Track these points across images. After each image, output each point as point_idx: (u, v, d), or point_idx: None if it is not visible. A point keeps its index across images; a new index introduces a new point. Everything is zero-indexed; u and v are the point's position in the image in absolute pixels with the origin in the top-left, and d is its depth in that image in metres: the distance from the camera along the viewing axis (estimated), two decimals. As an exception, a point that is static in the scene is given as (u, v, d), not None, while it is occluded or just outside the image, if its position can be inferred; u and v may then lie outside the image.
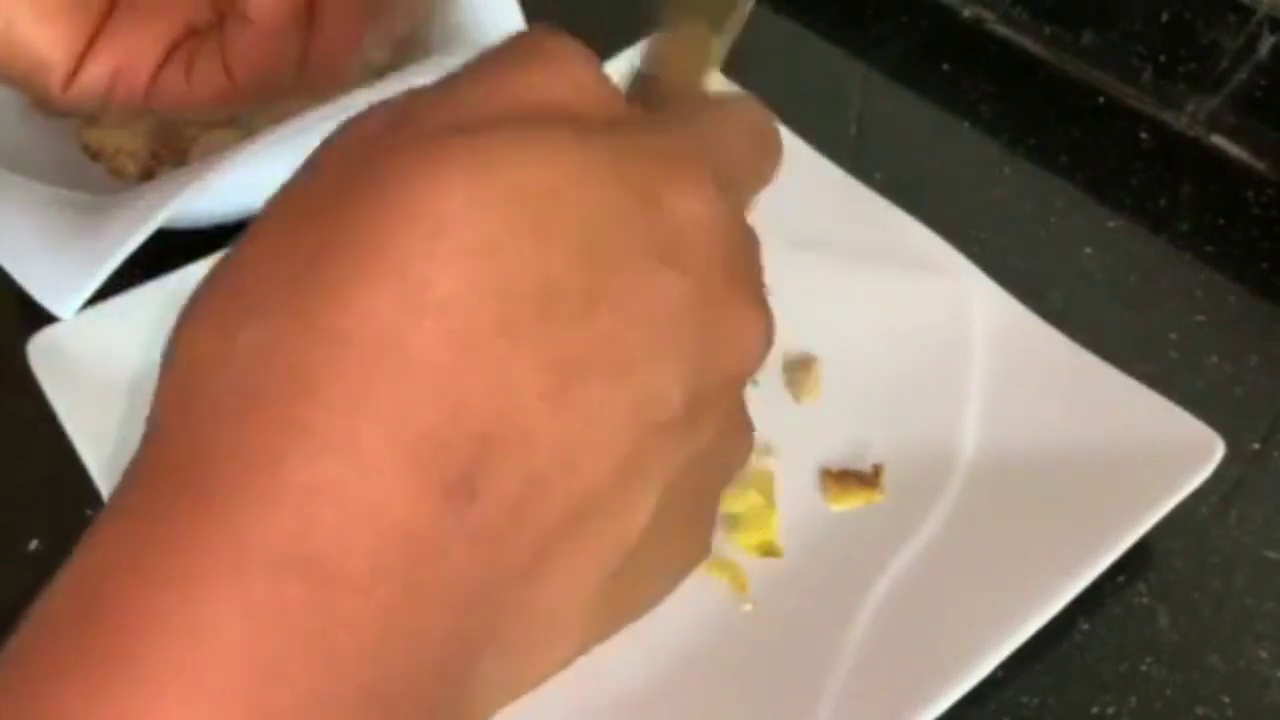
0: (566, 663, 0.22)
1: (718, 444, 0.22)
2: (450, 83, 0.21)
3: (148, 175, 0.52)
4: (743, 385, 0.23)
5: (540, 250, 0.18)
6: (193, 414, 0.18)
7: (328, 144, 0.21)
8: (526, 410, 0.18)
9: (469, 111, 0.19)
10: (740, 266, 0.23)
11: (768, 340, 0.23)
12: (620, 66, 0.40)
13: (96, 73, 0.29)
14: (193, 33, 0.31)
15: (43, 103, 0.30)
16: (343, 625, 0.16)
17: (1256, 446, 0.44)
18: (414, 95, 0.20)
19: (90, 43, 0.29)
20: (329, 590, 0.16)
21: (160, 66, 0.30)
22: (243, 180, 0.44)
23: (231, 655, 0.16)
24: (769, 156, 0.26)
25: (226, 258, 0.20)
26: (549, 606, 0.20)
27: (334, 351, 0.17)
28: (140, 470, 0.18)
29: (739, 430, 0.24)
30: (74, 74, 0.29)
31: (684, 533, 0.23)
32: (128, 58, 0.29)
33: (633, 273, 0.19)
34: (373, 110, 0.21)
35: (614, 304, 0.19)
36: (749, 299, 0.23)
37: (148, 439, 0.19)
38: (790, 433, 0.43)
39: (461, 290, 0.18)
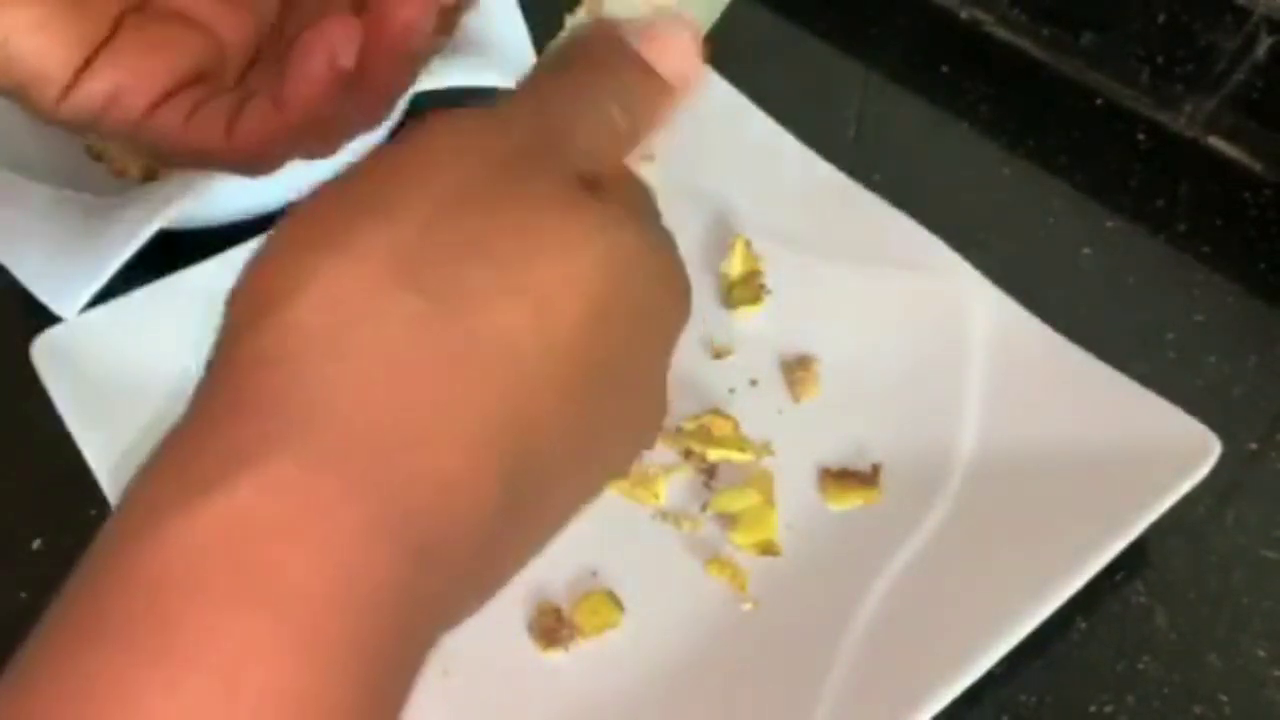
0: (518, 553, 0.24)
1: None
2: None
3: (150, 177, 0.52)
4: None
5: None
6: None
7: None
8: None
9: None
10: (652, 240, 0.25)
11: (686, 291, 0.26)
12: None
13: (93, 90, 0.29)
14: (200, 78, 0.31)
15: (36, 115, 0.30)
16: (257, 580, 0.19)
17: (1254, 446, 0.44)
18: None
19: (90, 60, 0.29)
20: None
21: (159, 101, 0.30)
22: (244, 182, 0.44)
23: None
24: (653, 100, 0.27)
25: None
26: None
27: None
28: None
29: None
30: (70, 88, 0.29)
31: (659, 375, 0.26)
32: (128, 80, 0.29)
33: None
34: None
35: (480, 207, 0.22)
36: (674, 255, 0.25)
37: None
38: (790, 432, 0.44)
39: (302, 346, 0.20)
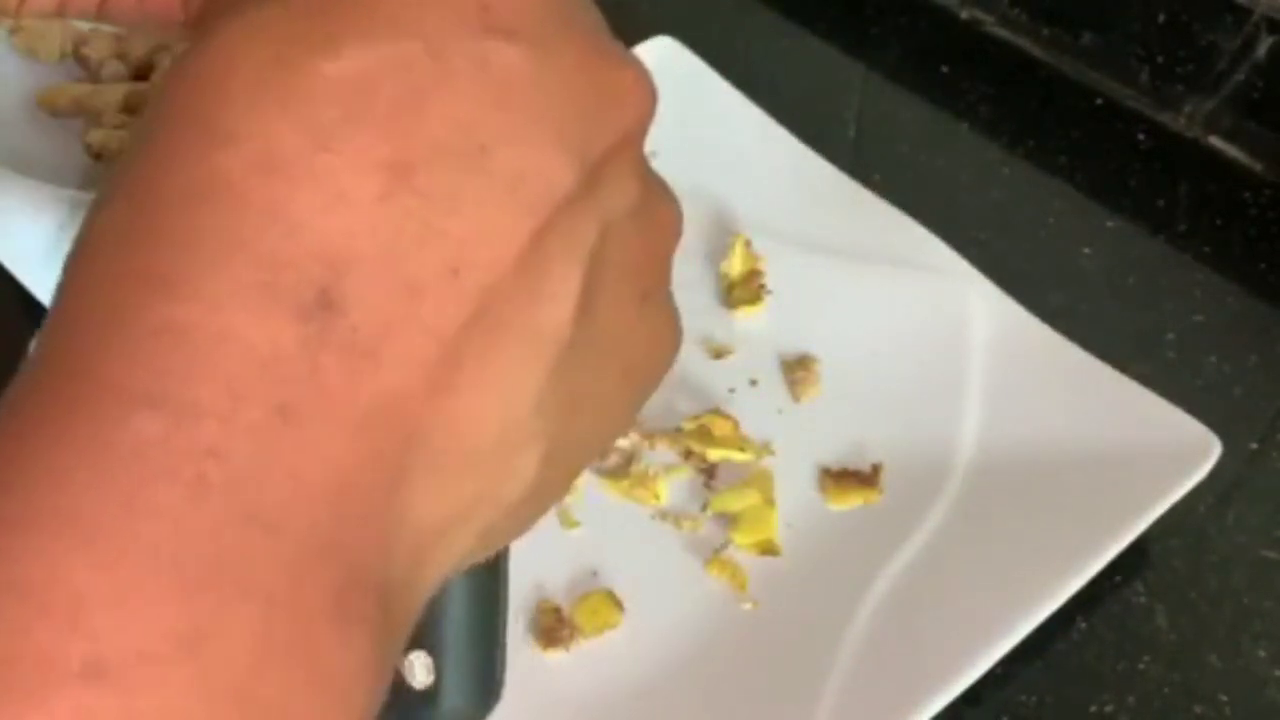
0: (541, 491, 0.20)
1: (638, 209, 0.21)
2: None
3: (150, 176, 0.52)
4: (639, 141, 0.21)
5: (333, 54, 0.18)
6: (73, 279, 0.19)
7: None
8: (367, 217, 0.17)
9: None
10: (579, 19, 0.21)
11: (648, 85, 0.21)
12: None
13: None
14: None
15: (3, 12, 0.30)
16: (207, 454, 0.16)
17: (1254, 446, 0.44)
18: None
19: None
20: (185, 421, 0.16)
21: None
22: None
23: (90, 493, 0.16)
24: None
25: None
26: (484, 419, 0.18)
27: (167, 202, 0.18)
28: (42, 330, 0.19)
29: (656, 191, 0.22)
30: None
31: (638, 313, 0.21)
32: None
33: (455, 57, 0.18)
34: None
35: (444, 88, 0.18)
36: (604, 49, 0.21)
37: (51, 302, 0.19)
38: (790, 432, 0.44)
39: (259, 117, 0.17)
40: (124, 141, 0.52)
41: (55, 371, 0.18)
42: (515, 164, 0.18)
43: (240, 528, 0.16)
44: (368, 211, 0.17)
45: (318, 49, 0.18)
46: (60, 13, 0.30)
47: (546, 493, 0.21)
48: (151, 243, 0.17)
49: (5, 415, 0.17)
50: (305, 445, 0.17)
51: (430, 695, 0.27)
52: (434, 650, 0.27)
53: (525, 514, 0.21)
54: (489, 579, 0.28)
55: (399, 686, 0.26)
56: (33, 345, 0.19)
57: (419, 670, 0.26)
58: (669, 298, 0.23)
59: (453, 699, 0.27)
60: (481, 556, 0.22)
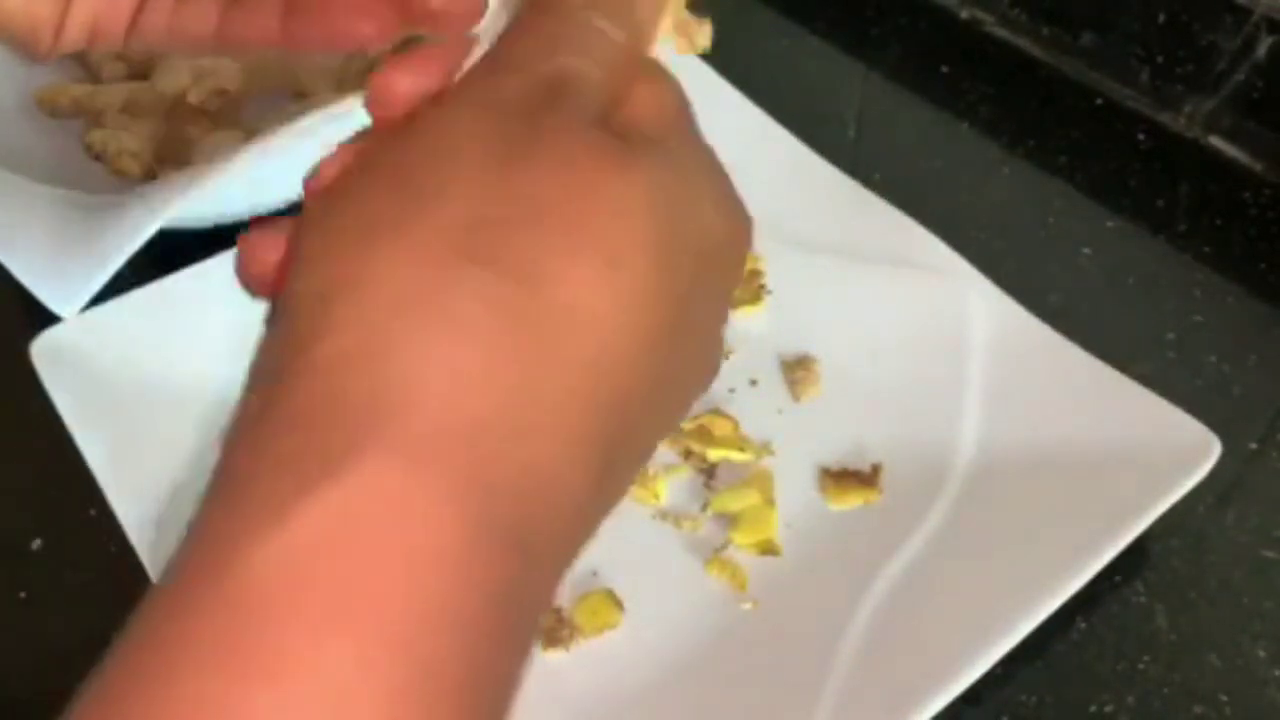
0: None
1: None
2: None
3: (150, 176, 0.52)
4: None
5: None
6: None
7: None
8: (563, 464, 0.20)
9: None
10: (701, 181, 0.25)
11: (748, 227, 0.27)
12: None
13: (77, 25, 0.30)
14: None
15: (34, 59, 0.31)
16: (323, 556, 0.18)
17: (1254, 446, 0.44)
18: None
19: (67, 4, 0.30)
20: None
21: (138, 10, 0.30)
22: (244, 181, 0.44)
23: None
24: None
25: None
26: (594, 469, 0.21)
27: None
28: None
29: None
30: (58, 29, 0.30)
31: (718, 328, 0.25)
32: (103, 7, 0.30)
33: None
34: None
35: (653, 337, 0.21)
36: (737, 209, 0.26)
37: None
38: (790, 432, 0.44)
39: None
40: (122, 142, 0.52)
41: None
42: (592, 226, 0.21)
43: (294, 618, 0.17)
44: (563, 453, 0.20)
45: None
46: (91, 44, 0.30)
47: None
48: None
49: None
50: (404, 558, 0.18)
51: None
52: None
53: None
54: None
55: None
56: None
57: None
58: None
59: None
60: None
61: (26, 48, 0.29)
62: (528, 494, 0.19)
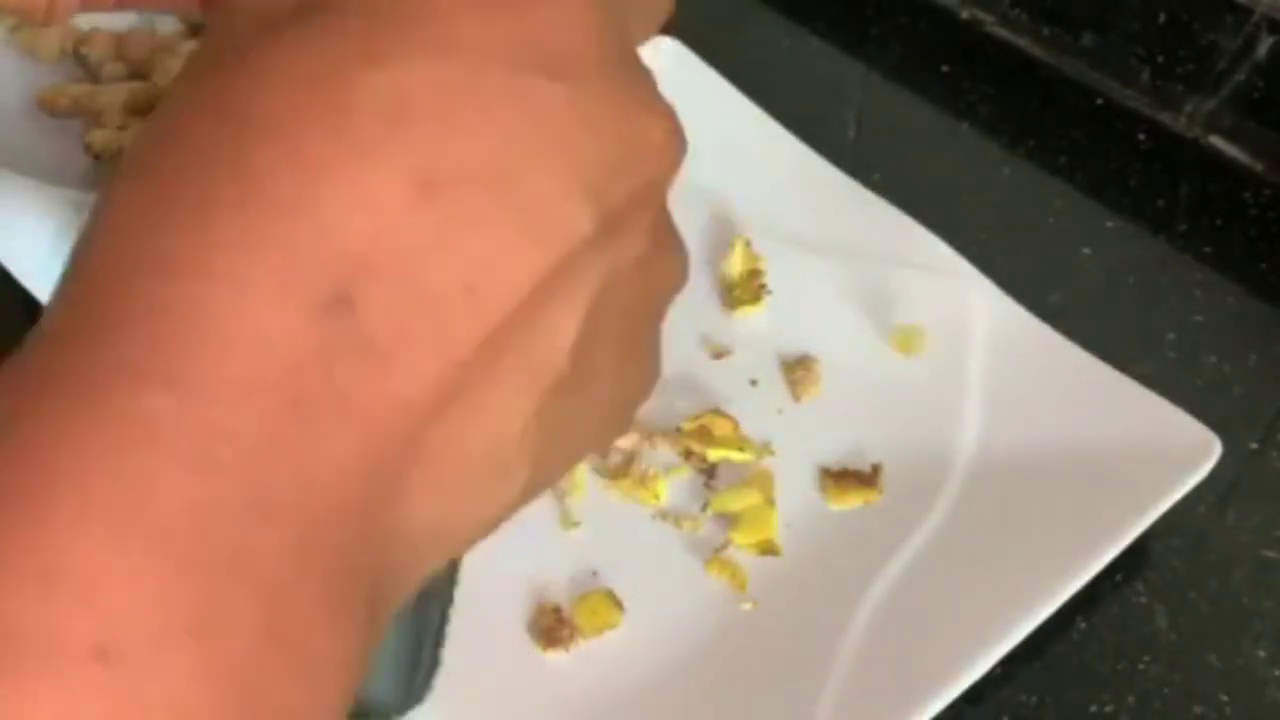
0: (516, 505, 0.21)
1: (646, 259, 0.21)
2: None
3: (150, 176, 0.52)
4: (662, 193, 0.22)
5: (378, 67, 0.18)
6: (86, 259, 0.19)
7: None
8: (392, 226, 0.18)
9: None
10: (621, 66, 0.21)
11: (678, 140, 0.22)
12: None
13: None
14: None
15: (33, 24, 0.31)
16: (218, 436, 0.16)
17: (1254, 446, 0.44)
18: None
19: None
20: (198, 402, 0.16)
21: None
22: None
23: (104, 471, 0.16)
24: None
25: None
26: (482, 442, 0.19)
27: (186, 185, 0.18)
28: (50, 306, 0.19)
29: (668, 243, 0.22)
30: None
31: (626, 359, 0.22)
32: None
33: (494, 82, 0.19)
34: None
35: (481, 114, 0.18)
36: (642, 99, 0.21)
37: (61, 278, 0.19)
38: (790, 432, 0.44)
39: (290, 111, 0.18)
40: (123, 142, 0.52)
41: (67, 345, 0.18)
42: (539, 198, 0.19)
43: (247, 514, 0.16)
44: (394, 220, 0.18)
45: (364, 61, 0.18)
46: (85, 8, 0.30)
47: (517, 509, 0.22)
48: (174, 225, 0.17)
49: (14, 387, 0.17)
50: (314, 441, 0.17)
51: None
52: None
53: (496, 526, 0.22)
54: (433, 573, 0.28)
55: None
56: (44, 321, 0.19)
57: None
58: (657, 335, 0.23)
59: (366, 686, 0.26)
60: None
61: (23, 12, 0.29)
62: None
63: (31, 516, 0.16)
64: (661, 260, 0.22)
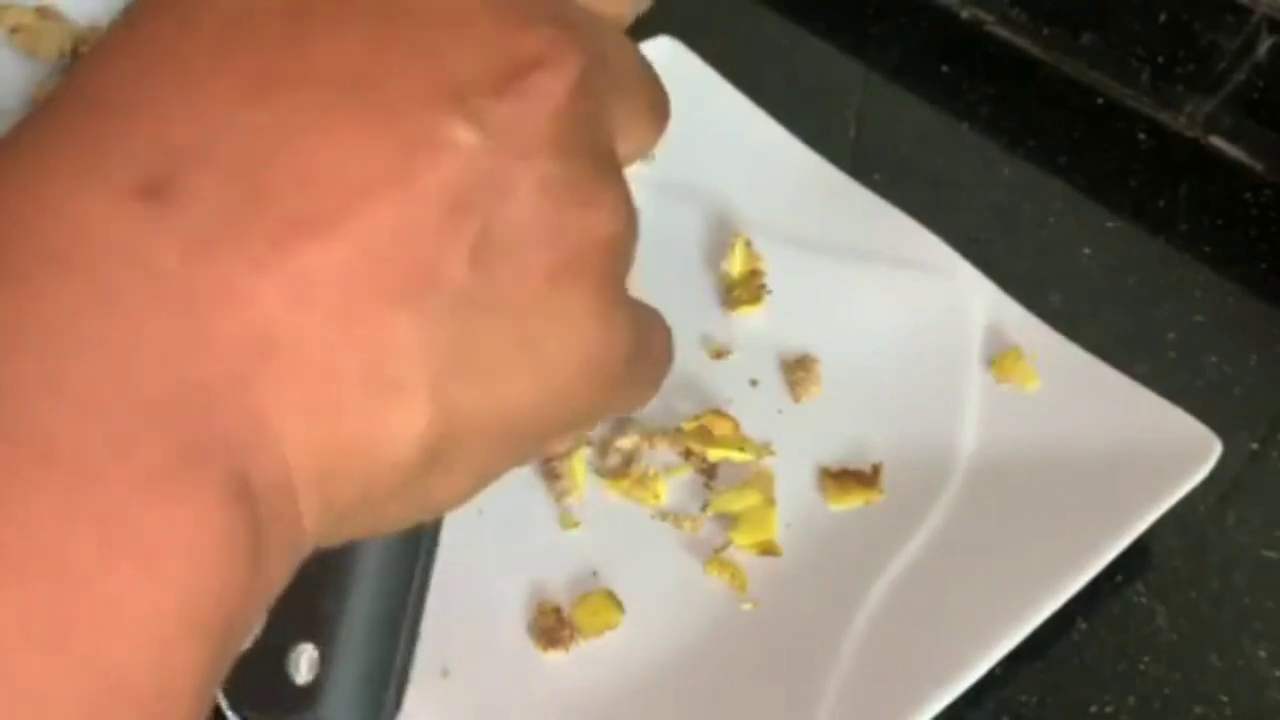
0: (445, 465, 0.19)
1: (559, 176, 0.19)
2: None
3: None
4: (559, 104, 0.19)
5: None
6: None
7: None
8: (224, 118, 0.17)
9: None
10: None
11: (572, 51, 0.19)
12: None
13: None
14: None
15: None
16: (18, 315, 0.16)
17: (1254, 446, 0.44)
18: None
19: None
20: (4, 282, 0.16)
21: None
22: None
23: None
24: None
25: None
26: (347, 346, 0.17)
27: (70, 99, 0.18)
28: None
29: (593, 173, 0.20)
30: None
31: (547, 287, 0.19)
32: None
33: None
34: None
35: (333, 21, 0.18)
36: (522, 11, 0.19)
37: None
38: (790, 432, 0.44)
39: (139, 19, 0.18)
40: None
41: None
42: (400, 99, 0.18)
43: (40, 393, 0.15)
44: (226, 113, 0.17)
45: None
46: None
47: (455, 478, 0.20)
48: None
49: None
50: (129, 325, 0.16)
51: (309, 695, 0.24)
52: (324, 645, 0.24)
53: (432, 495, 0.20)
54: (399, 579, 0.25)
55: (280, 680, 0.24)
56: None
57: (303, 665, 0.24)
58: (615, 298, 0.21)
59: (332, 704, 0.24)
60: (375, 531, 0.21)
61: None
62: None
63: None
64: (584, 185, 0.20)
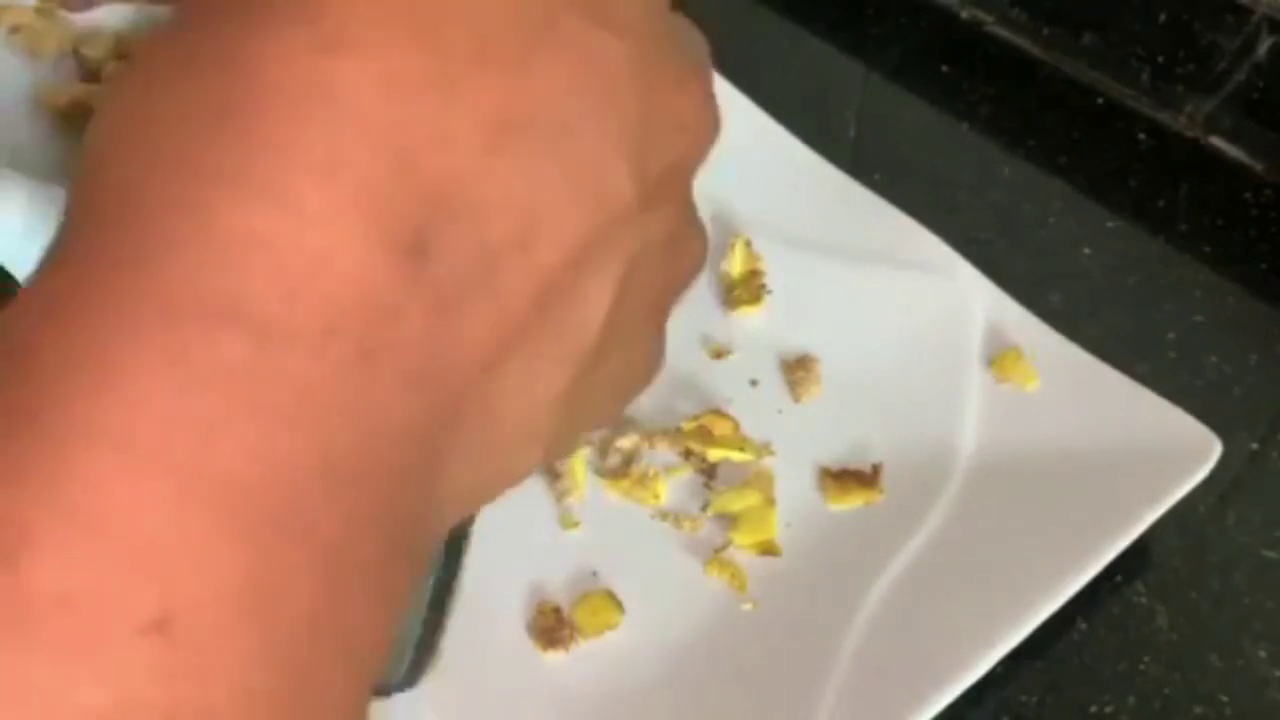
0: (527, 474, 0.20)
1: (671, 240, 0.20)
2: None
3: (149, 176, 0.52)
4: (691, 174, 0.21)
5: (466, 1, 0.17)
6: (118, 169, 0.16)
7: None
8: (472, 169, 0.16)
9: None
10: (671, 35, 0.20)
11: (714, 122, 0.21)
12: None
13: None
14: None
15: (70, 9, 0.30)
16: (292, 386, 0.15)
17: (1254, 446, 0.44)
18: None
19: None
20: (276, 346, 0.15)
21: None
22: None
23: (156, 410, 0.14)
24: None
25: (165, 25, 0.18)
26: (515, 406, 0.18)
27: (259, 98, 0.16)
28: (65, 230, 0.16)
29: (691, 227, 0.22)
30: None
31: (639, 339, 0.21)
32: None
33: (566, 30, 0.18)
34: None
35: (549, 61, 0.17)
36: (690, 75, 0.20)
37: (74, 198, 0.17)
38: (790, 432, 0.44)
39: (381, 31, 0.16)
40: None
41: (107, 269, 0.15)
42: (591, 155, 0.18)
43: (309, 473, 0.15)
44: (472, 162, 0.16)
45: None
46: None
47: (522, 480, 0.21)
48: (232, 137, 0.15)
49: (39, 314, 0.15)
50: (380, 397, 0.16)
51: None
52: None
53: (500, 495, 0.21)
54: (444, 543, 0.26)
55: None
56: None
57: None
58: (665, 320, 0.22)
59: None
60: None
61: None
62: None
63: (85, 464, 0.14)
64: (686, 240, 0.21)
